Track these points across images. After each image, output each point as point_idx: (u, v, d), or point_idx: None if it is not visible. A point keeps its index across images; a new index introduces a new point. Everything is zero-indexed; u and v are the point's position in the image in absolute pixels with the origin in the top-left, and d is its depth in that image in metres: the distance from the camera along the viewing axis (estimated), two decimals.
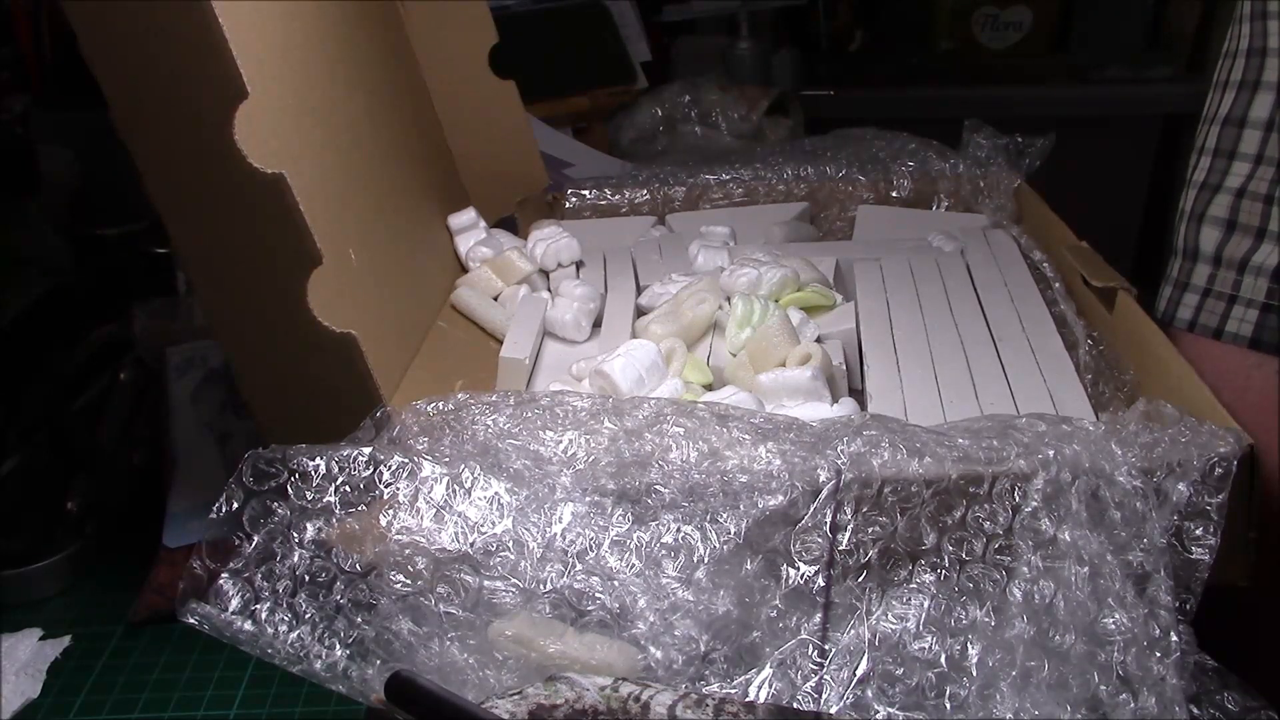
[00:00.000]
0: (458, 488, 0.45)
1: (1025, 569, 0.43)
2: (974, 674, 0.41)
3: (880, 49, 1.89)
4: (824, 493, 0.44)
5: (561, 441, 0.48)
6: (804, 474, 0.45)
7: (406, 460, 0.45)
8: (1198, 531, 0.44)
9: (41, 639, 0.67)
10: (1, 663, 0.64)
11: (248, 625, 0.42)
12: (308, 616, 0.43)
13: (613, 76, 1.32)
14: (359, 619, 0.43)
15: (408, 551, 0.43)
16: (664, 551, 0.43)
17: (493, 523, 0.44)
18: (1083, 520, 0.44)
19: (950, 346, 0.62)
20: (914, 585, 0.44)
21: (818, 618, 0.43)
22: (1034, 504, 0.44)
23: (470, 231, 0.76)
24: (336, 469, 0.45)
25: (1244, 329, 0.66)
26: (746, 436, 0.47)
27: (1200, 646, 0.42)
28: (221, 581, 0.43)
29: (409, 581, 0.43)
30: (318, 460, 0.45)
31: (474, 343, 0.68)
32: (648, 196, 0.91)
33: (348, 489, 0.44)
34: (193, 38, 0.47)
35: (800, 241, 0.82)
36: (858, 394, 0.61)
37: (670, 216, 0.89)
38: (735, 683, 0.41)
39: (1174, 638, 0.41)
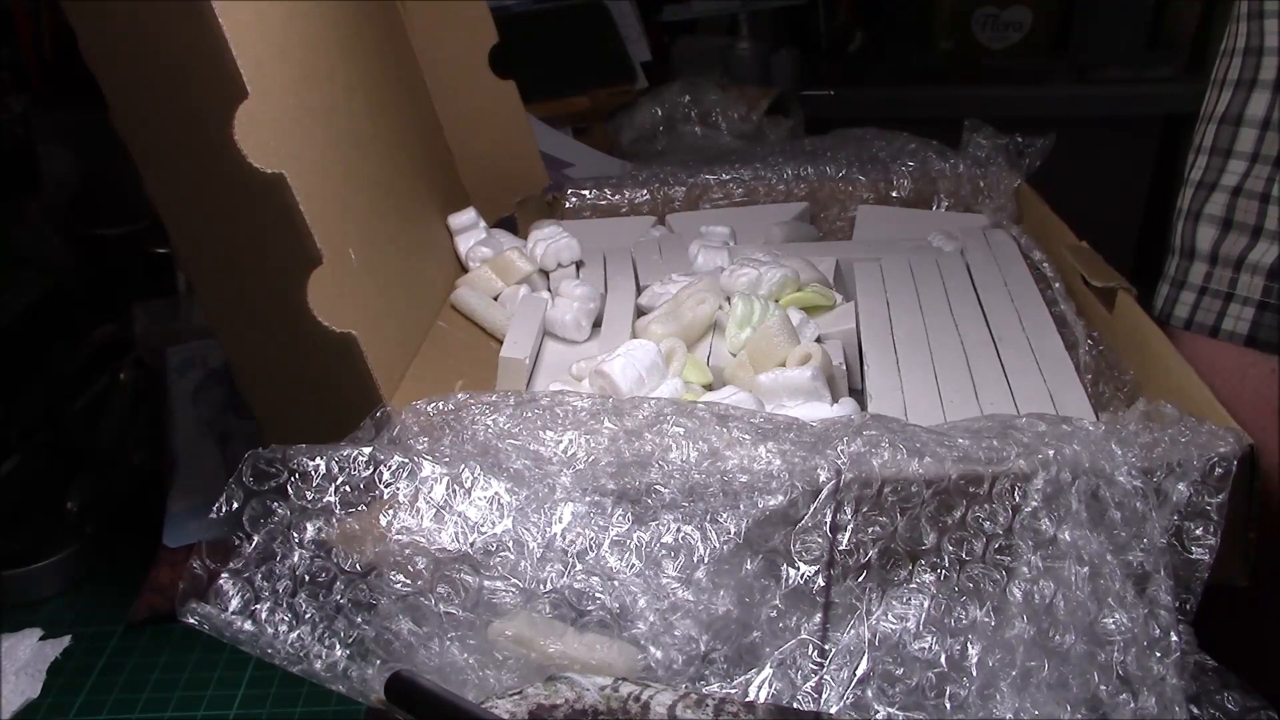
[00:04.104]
0: (458, 488, 0.45)
1: (1025, 569, 0.43)
2: (974, 674, 0.41)
3: (880, 49, 1.89)
4: (824, 493, 0.44)
5: (561, 441, 0.48)
6: (804, 474, 0.45)
7: (406, 460, 0.45)
8: (1198, 531, 0.44)
9: (41, 639, 0.67)
10: (1, 663, 0.64)
11: (248, 625, 0.42)
12: (308, 616, 0.43)
13: (613, 76, 1.32)
14: (359, 619, 0.43)
15: (408, 551, 0.43)
16: (664, 551, 0.43)
17: (493, 523, 0.44)
18: (1083, 520, 0.44)
19: (950, 347, 0.62)
20: (914, 585, 0.44)
21: (818, 618, 0.43)
22: (1034, 504, 0.44)
23: (470, 231, 0.76)
24: (336, 469, 0.45)
25: (1240, 327, 0.66)
26: (746, 436, 0.47)
27: (1200, 646, 0.42)
28: (221, 581, 0.43)
29: (409, 581, 0.43)
30: (318, 460, 0.45)
31: (474, 343, 0.68)
32: (648, 196, 0.91)
33: (348, 489, 0.44)
34: (193, 38, 0.47)
35: (800, 241, 0.82)
36: (858, 394, 0.61)
37: (670, 216, 0.89)
38: (735, 683, 0.41)
39: (1174, 638, 0.41)
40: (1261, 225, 0.65)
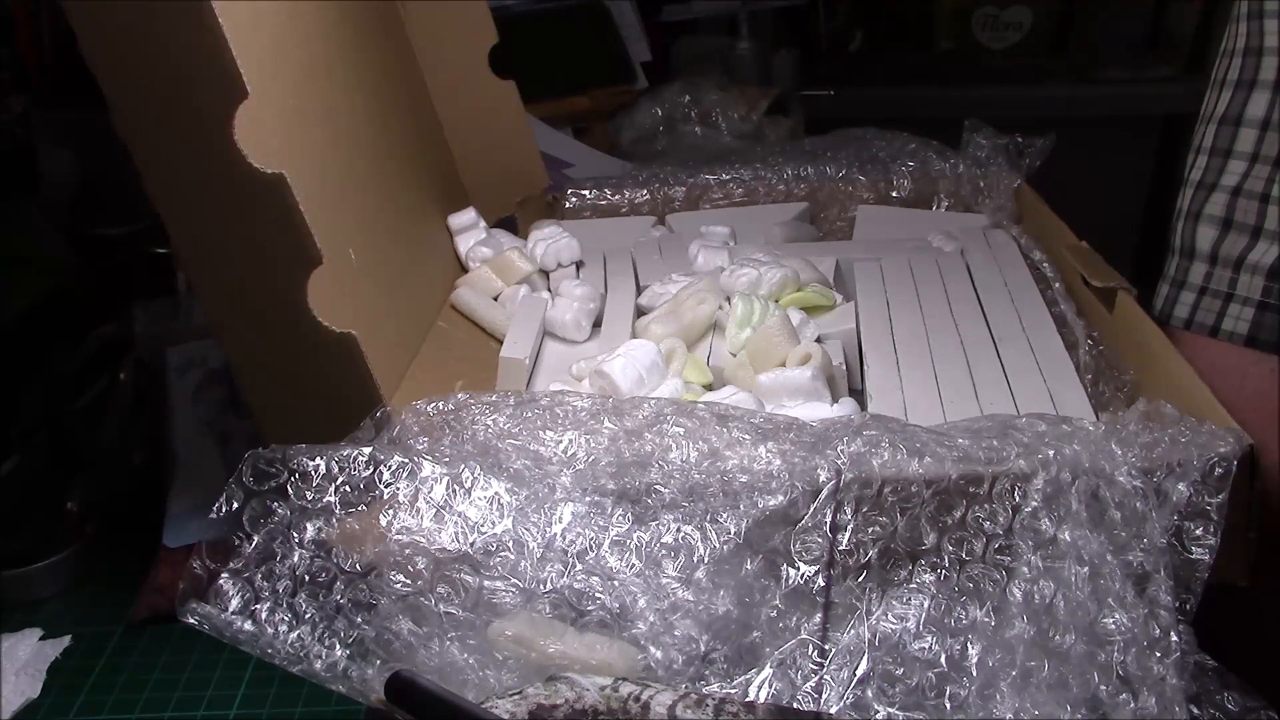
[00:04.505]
0: (458, 488, 0.45)
1: (1025, 569, 0.43)
2: (974, 674, 0.41)
3: (880, 49, 1.89)
4: (824, 493, 0.44)
5: (561, 441, 0.48)
6: (804, 474, 0.45)
7: (406, 460, 0.45)
8: (1198, 531, 0.44)
9: (41, 639, 0.67)
10: (1, 663, 0.64)
11: (248, 625, 0.42)
12: (308, 616, 0.43)
13: (613, 76, 1.32)
14: (359, 619, 0.43)
15: (408, 551, 0.43)
16: (664, 551, 0.43)
17: (493, 523, 0.44)
18: (1083, 520, 0.44)
19: (950, 346, 0.62)
20: (914, 585, 0.44)
21: (818, 618, 0.43)
22: (1034, 504, 0.44)
23: (470, 231, 0.76)
24: (336, 469, 0.45)
25: (1240, 327, 0.66)
26: (746, 436, 0.47)
27: (1200, 646, 0.42)
28: (221, 581, 0.43)
29: (409, 581, 0.43)
30: (318, 460, 0.45)
31: (474, 343, 0.68)
32: (648, 196, 0.91)
33: (348, 489, 0.44)
34: (193, 38, 0.47)
35: (800, 241, 0.82)
36: (858, 394, 0.61)
37: (670, 216, 0.89)
38: (735, 683, 0.41)
39: (1174, 638, 0.41)
40: (1261, 225, 0.65)
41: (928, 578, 0.44)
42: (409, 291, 0.64)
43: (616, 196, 0.91)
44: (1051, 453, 0.45)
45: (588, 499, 0.45)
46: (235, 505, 0.44)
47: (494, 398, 0.51)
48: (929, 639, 0.42)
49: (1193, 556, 0.43)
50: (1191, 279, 0.69)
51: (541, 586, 0.43)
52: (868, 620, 0.43)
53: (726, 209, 0.90)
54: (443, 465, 0.45)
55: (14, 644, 0.66)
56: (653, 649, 0.42)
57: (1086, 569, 0.43)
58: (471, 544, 0.43)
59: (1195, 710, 0.40)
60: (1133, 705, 0.40)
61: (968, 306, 0.67)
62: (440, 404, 0.51)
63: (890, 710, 0.41)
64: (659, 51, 1.47)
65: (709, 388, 0.62)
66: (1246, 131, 0.66)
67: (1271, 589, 0.49)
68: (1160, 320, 0.71)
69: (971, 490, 0.45)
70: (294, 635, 0.43)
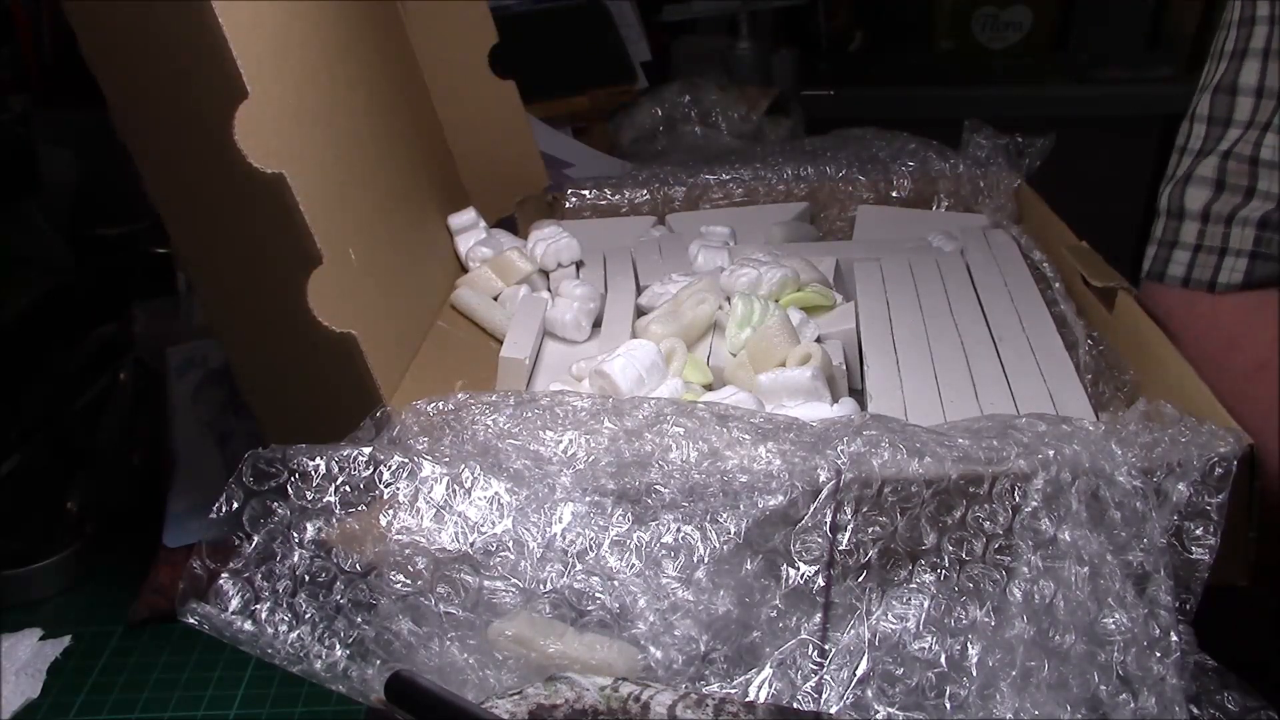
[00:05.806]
0: (458, 488, 0.45)
1: (1025, 569, 0.43)
2: (974, 674, 0.41)
3: (880, 49, 1.89)
4: (824, 493, 0.44)
5: (561, 441, 0.48)
6: (804, 474, 0.45)
7: (406, 460, 0.45)
8: (1198, 531, 0.44)
9: (41, 639, 0.67)
10: (1, 663, 0.64)
11: (248, 625, 0.42)
12: (308, 616, 0.43)
13: (613, 76, 1.32)
14: (359, 619, 0.43)
15: (408, 551, 0.43)
16: (664, 551, 0.43)
17: (493, 523, 0.44)
18: (1083, 520, 0.44)
19: (950, 346, 0.62)
20: (914, 585, 0.44)
21: (818, 618, 0.43)
22: (1034, 504, 0.44)
23: (470, 231, 0.76)
24: (336, 469, 0.45)
25: (1234, 278, 0.68)
26: (746, 436, 0.47)
27: (1200, 646, 0.42)
28: (221, 581, 0.43)
29: (409, 581, 0.43)
30: (318, 460, 0.45)
31: (474, 343, 0.68)
32: (648, 196, 0.91)
33: (348, 489, 0.44)
34: (193, 38, 0.47)
35: (800, 241, 0.82)
36: (858, 394, 0.61)
37: (670, 216, 0.89)
38: (735, 683, 0.41)
39: (1174, 638, 0.41)
40: (1255, 186, 0.67)
41: (928, 578, 0.44)
42: (409, 291, 0.64)
43: (616, 196, 0.91)
44: (1051, 453, 0.45)
45: (588, 499, 0.45)
46: (235, 505, 0.44)
47: (494, 398, 0.51)
48: (929, 639, 0.42)
49: (1193, 556, 0.43)
50: (1184, 238, 0.70)
51: (541, 586, 0.43)
52: (868, 620, 0.43)
53: (726, 209, 0.90)
54: (443, 465, 0.45)
55: (14, 644, 0.66)
56: (653, 649, 0.42)
57: (1086, 569, 0.43)
58: (471, 544, 0.43)
59: (1195, 710, 0.40)
60: (1133, 705, 0.40)
61: (968, 306, 0.67)
62: (440, 404, 0.51)
63: (890, 710, 0.41)
64: (659, 51, 1.47)
65: (709, 388, 0.62)
66: (1239, 100, 0.68)
67: (1272, 589, 0.49)
68: (1150, 278, 0.72)
69: (971, 490, 0.45)
70: (294, 635, 0.43)
